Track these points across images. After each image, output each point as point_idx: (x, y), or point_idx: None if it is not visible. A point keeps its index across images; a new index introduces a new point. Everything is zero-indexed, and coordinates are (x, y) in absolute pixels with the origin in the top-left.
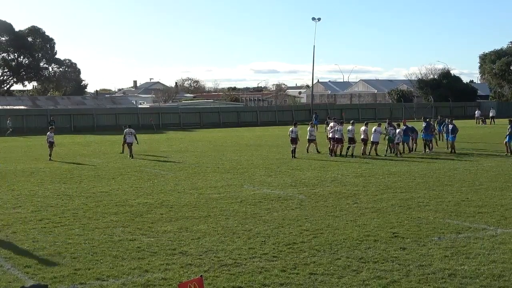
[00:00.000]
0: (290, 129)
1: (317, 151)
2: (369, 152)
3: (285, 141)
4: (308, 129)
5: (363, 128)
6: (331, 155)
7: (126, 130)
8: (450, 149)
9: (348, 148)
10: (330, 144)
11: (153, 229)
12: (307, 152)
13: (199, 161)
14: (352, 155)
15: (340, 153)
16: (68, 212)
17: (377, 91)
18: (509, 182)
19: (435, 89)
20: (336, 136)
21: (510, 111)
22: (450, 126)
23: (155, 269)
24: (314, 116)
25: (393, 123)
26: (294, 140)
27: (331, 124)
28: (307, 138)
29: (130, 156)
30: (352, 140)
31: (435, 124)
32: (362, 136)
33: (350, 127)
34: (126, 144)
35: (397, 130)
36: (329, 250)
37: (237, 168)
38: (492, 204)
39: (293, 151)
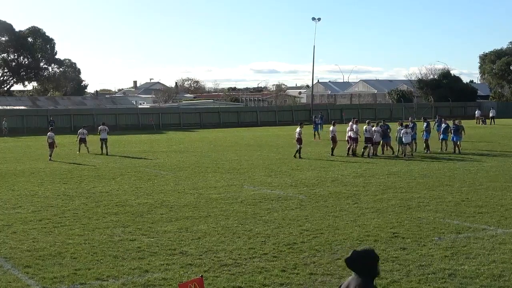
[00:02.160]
0: (297, 129)
1: (353, 152)
2: (375, 152)
3: (285, 141)
4: (354, 127)
5: (375, 128)
6: (348, 154)
7: (101, 127)
8: (453, 149)
9: (364, 148)
10: (332, 144)
11: (153, 229)
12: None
13: (199, 161)
14: (368, 155)
15: (356, 153)
16: (68, 212)
17: (377, 91)
18: (509, 182)
19: (435, 89)
20: (352, 136)
21: (510, 111)
22: (454, 127)
23: (155, 269)
24: (319, 116)
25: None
26: (299, 140)
27: (350, 123)
28: (353, 137)
29: (104, 153)
30: (369, 140)
31: (435, 124)
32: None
33: (366, 126)
34: (100, 142)
35: (374, 128)
36: (329, 250)
37: (237, 168)
38: (492, 204)
39: (298, 151)
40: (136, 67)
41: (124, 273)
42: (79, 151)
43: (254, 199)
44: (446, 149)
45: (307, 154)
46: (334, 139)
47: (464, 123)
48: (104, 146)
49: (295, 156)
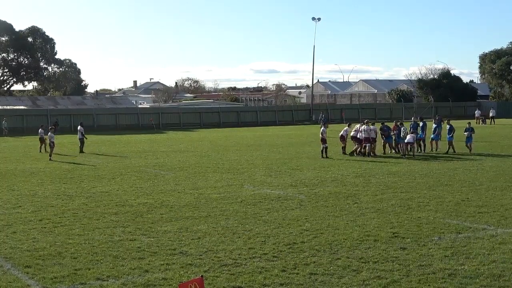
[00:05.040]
0: (322, 129)
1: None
2: (374, 152)
3: (285, 141)
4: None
5: (366, 127)
6: (360, 155)
7: (79, 127)
8: (447, 149)
9: (364, 148)
10: (343, 144)
11: (153, 229)
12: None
13: (199, 161)
14: (369, 155)
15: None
16: (68, 212)
17: (377, 91)
18: (509, 182)
19: (435, 89)
20: (364, 136)
21: (510, 111)
22: (448, 126)
23: (155, 269)
24: (321, 116)
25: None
26: (323, 140)
27: (357, 125)
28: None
29: (80, 152)
30: (367, 140)
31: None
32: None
33: (364, 126)
34: (80, 140)
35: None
36: (329, 250)
37: (237, 168)
38: (492, 204)
39: (323, 151)
40: (136, 67)
41: (124, 273)
42: (40, 150)
43: (254, 199)
44: (437, 149)
45: (307, 154)
46: (343, 138)
47: (464, 123)
48: (81, 145)
49: (322, 156)
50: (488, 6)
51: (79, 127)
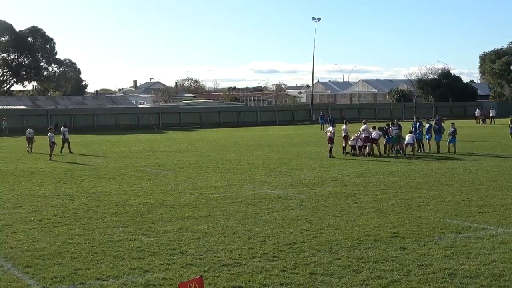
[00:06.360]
0: (329, 128)
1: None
2: (372, 152)
3: (285, 141)
4: (342, 127)
5: (365, 127)
6: (369, 155)
7: (62, 128)
8: (436, 149)
9: (365, 147)
10: (344, 143)
11: (153, 229)
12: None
13: (199, 161)
14: (368, 154)
15: (377, 153)
16: (69, 212)
17: (377, 91)
18: (509, 182)
19: (435, 89)
20: (364, 136)
21: (510, 111)
22: (436, 126)
23: (155, 269)
24: (320, 116)
25: (399, 122)
26: (330, 140)
27: (363, 126)
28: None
29: (69, 151)
30: (367, 139)
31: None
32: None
33: (363, 126)
34: (63, 142)
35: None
36: (329, 250)
37: (237, 168)
38: (493, 203)
39: (330, 150)
40: (136, 67)
41: (124, 273)
42: (28, 150)
43: (254, 199)
44: (430, 149)
45: (307, 154)
46: (346, 138)
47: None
48: (67, 145)
49: (332, 156)
50: (488, 6)
51: (62, 128)
